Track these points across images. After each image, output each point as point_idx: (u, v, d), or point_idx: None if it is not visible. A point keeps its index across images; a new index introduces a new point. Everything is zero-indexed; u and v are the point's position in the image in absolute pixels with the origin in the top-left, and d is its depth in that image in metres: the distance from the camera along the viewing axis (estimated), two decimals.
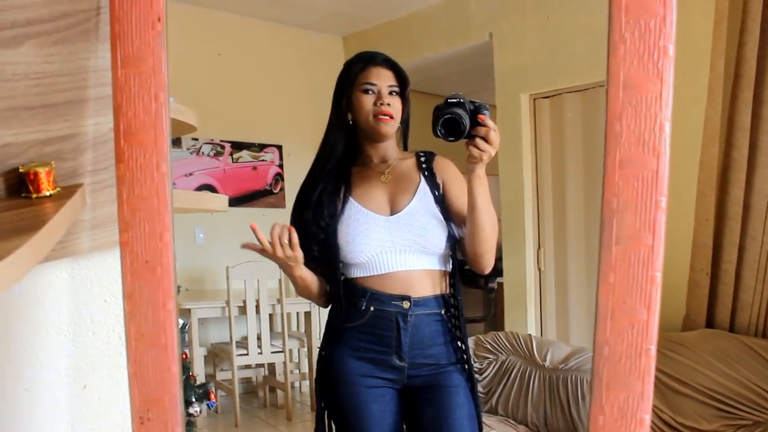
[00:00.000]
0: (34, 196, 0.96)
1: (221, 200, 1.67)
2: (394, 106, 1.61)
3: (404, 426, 1.66)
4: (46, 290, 1.15)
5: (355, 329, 1.61)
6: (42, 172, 0.96)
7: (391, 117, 1.60)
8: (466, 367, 1.65)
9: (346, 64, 1.67)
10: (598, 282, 0.99)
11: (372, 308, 1.59)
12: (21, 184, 0.97)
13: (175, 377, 1.09)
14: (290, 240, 1.52)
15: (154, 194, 1.01)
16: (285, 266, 1.57)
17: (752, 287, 2.69)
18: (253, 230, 1.50)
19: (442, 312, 1.62)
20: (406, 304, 1.57)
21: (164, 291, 1.05)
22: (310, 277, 1.63)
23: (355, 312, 1.61)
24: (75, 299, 1.18)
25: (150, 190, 1.01)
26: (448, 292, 1.65)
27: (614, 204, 0.95)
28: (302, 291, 1.66)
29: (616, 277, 0.98)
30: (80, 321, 1.19)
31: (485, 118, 1.45)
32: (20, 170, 0.96)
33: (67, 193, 0.99)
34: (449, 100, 1.47)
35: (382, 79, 1.62)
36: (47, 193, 0.97)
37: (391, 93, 1.62)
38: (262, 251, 1.54)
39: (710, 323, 2.83)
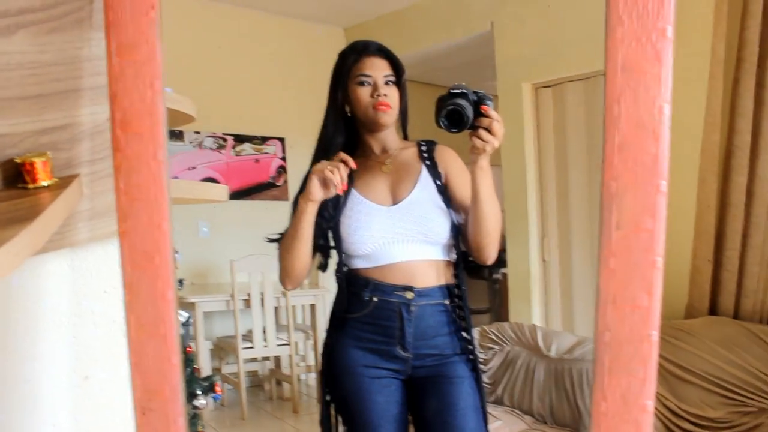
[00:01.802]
0: (31, 186, 0.95)
1: (221, 190, 1.66)
2: (391, 95, 1.60)
3: (409, 416, 1.65)
4: (46, 282, 1.15)
5: (359, 320, 1.61)
6: (38, 162, 0.96)
7: (390, 107, 1.59)
8: (471, 357, 1.64)
9: (340, 55, 1.65)
10: (599, 267, 0.99)
11: (375, 299, 1.58)
12: (17, 174, 0.96)
13: (176, 368, 1.08)
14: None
15: (151, 183, 1.01)
16: (313, 186, 1.51)
17: (756, 274, 2.68)
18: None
19: (447, 302, 1.62)
20: (409, 295, 1.57)
21: (163, 281, 1.04)
22: (308, 224, 1.56)
23: (358, 303, 1.60)
24: (75, 290, 1.18)
25: (147, 179, 1.00)
26: (452, 282, 1.64)
27: (613, 188, 0.95)
28: (291, 237, 1.58)
29: (617, 262, 0.98)
30: (80, 312, 1.19)
31: (488, 108, 1.44)
32: (16, 161, 0.96)
33: (63, 183, 0.99)
34: (452, 91, 1.46)
35: (377, 70, 1.60)
36: (44, 184, 0.96)
37: (387, 83, 1.60)
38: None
39: (714, 310, 2.83)
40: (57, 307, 1.17)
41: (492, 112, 1.44)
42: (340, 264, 1.63)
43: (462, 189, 1.61)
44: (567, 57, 3.85)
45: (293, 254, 1.58)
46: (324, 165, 1.50)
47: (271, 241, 1.67)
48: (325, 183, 1.51)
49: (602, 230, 0.96)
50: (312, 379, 4.99)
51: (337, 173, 1.48)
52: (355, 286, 1.61)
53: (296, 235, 1.56)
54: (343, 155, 1.53)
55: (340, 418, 1.68)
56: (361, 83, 1.60)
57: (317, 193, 1.51)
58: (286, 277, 1.63)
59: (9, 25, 0.89)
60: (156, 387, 1.08)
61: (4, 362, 1.12)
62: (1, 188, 0.96)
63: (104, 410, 1.23)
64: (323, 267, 1.69)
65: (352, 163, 1.52)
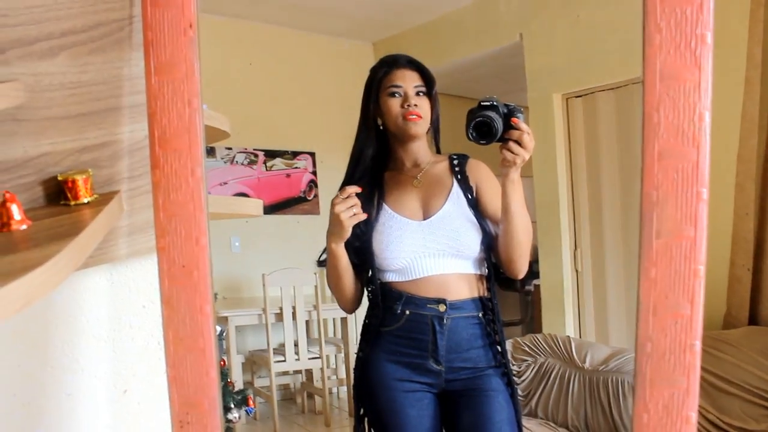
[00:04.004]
0: (73, 203, 0.98)
1: (256, 205, 1.67)
2: (422, 106, 1.60)
3: (443, 431, 1.64)
4: (86, 296, 1.17)
5: (392, 333, 1.60)
6: (80, 179, 0.98)
7: (420, 117, 1.60)
8: (505, 371, 1.62)
9: (372, 69, 1.67)
10: (639, 277, 0.97)
11: (407, 312, 1.58)
12: (60, 191, 0.98)
13: (214, 381, 1.09)
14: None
15: (189, 199, 1.02)
16: (334, 228, 1.54)
17: None
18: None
19: (480, 315, 1.60)
20: (441, 308, 1.56)
21: (201, 295, 1.05)
22: (346, 263, 1.60)
23: (390, 316, 1.60)
24: (114, 305, 1.20)
25: (185, 195, 1.02)
26: (485, 295, 1.63)
27: (654, 196, 0.93)
28: (336, 277, 1.62)
29: (658, 271, 0.96)
30: (119, 326, 1.21)
31: (519, 121, 1.43)
32: (59, 178, 0.98)
33: (104, 199, 1.01)
34: (482, 103, 1.46)
35: (408, 81, 1.61)
36: (85, 200, 0.98)
37: (417, 93, 1.61)
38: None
39: (753, 320, 2.77)
40: (96, 321, 1.19)
41: (522, 125, 1.43)
42: (373, 278, 1.63)
43: (493, 203, 1.61)
44: (597, 67, 3.82)
45: (341, 287, 1.64)
46: (342, 212, 1.50)
47: (321, 264, 1.70)
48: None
49: (642, 239, 0.95)
50: (343, 392, 4.98)
51: (357, 211, 1.50)
52: (387, 300, 1.61)
53: (338, 274, 1.61)
54: (348, 189, 1.51)
55: None
56: (392, 94, 1.61)
57: (347, 235, 1.53)
58: (344, 306, 1.69)
59: (53, 47, 0.91)
60: (194, 400, 1.09)
61: (44, 375, 1.14)
62: (44, 205, 0.98)
63: (143, 424, 1.24)
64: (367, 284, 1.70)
65: (357, 189, 1.52)
